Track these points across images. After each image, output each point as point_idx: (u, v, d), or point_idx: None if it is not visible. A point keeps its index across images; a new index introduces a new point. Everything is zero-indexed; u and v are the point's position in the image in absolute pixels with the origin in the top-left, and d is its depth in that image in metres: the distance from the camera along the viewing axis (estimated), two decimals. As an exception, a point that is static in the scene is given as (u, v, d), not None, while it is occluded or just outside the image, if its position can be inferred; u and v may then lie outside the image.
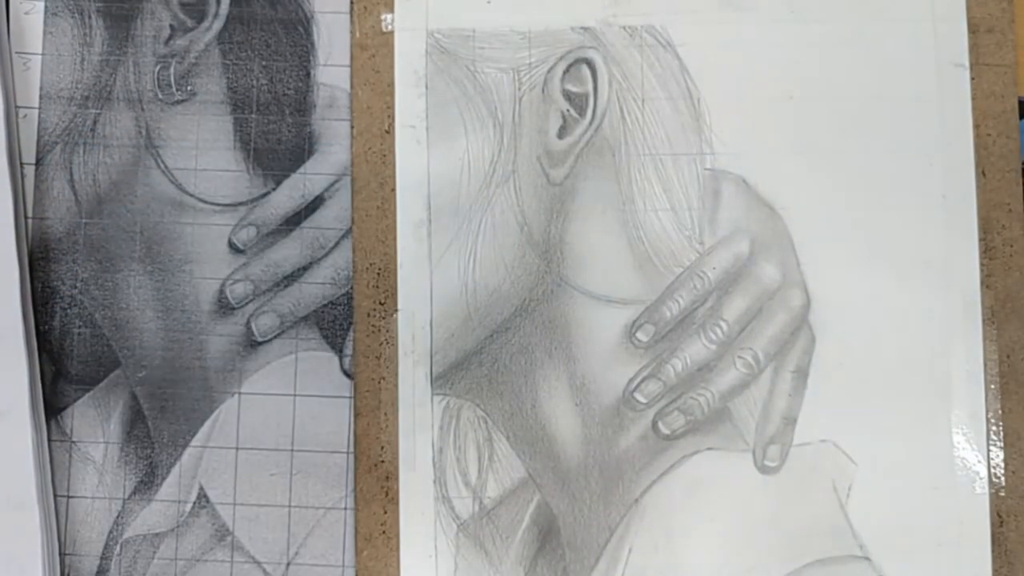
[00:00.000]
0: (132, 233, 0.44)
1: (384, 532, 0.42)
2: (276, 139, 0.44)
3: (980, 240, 0.42)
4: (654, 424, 0.42)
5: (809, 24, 0.44)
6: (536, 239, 0.43)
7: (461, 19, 0.44)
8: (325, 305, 0.43)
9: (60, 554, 0.43)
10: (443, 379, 0.43)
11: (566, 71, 0.44)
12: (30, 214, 0.44)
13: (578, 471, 0.42)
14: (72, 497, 0.43)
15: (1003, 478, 0.41)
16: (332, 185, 0.44)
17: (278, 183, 0.44)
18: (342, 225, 0.44)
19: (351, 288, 0.43)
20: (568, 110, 0.44)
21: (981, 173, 0.43)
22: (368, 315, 0.43)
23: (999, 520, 0.41)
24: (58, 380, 0.43)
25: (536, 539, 0.42)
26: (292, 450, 0.43)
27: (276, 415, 0.43)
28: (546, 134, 0.43)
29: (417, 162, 0.43)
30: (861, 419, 0.42)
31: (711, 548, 0.42)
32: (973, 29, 0.43)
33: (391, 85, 0.44)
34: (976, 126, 0.43)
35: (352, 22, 0.44)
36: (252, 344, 0.43)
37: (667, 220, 0.43)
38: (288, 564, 0.42)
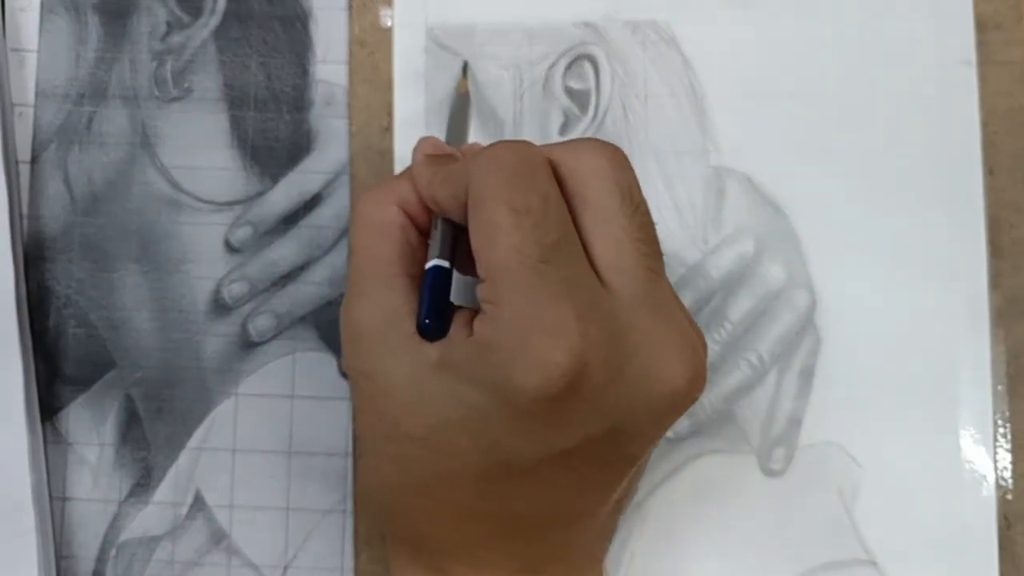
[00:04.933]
0: (128, 232, 0.44)
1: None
2: (273, 136, 0.44)
3: (987, 240, 0.42)
4: (657, 426, 0.42)
5: (814, 21, 0.44)
6: (537, 238, 0.43)
7: (461, 15, 0.44)
8: (323, 305, 0.43)
9: (56, 557, 0.42)
10: (443, 380, 0.42)
11: (568, 68, 0.43)
12: (25, 213, 0.44)
13: (580, 473, 0.42)
14: (68, 499, 0.43)
15: (1010, 481, 0.41)
16: (330, 183, 0.44)
17: (275, 181, 0.44)
18: (340, 224, 0.43)
19: (350, 288, 0.43)
20: (570, 107, 0.43)
21: (988, 171, 0.42)
22: (367, 315, 0.42)
23: (1006, 523, 0.41)
24: (53, 381, 0.43)
25: (537, 542, 0.42)
26: (290, 452, 0.43)
27: (273, 417, 0.43)
28: (547, 131, 0.43)
29: (417, 160, 0.43)
30: (867, 421, 0.42)
31: (715, 552, 0.41)
32: (980, 26, 0.43)
33: (390, 82, 0.43)
34: (983, 124, 0.43)
35: (351, 18, 0.44)
36: (249, 345, 0.43)
37: (670, 218, 0.43)
38: (286, 567, 0.42)
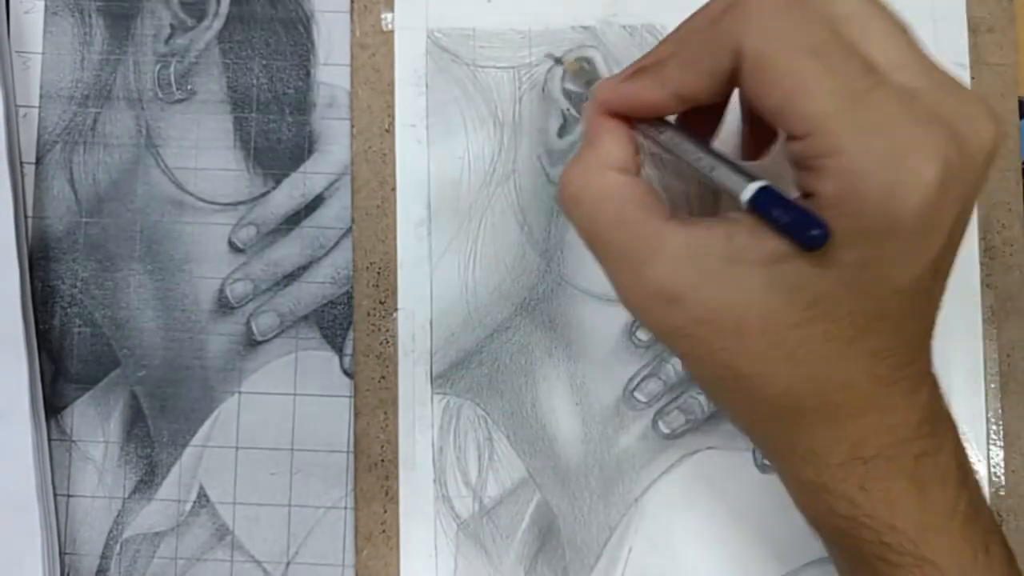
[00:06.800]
0: (132, 232, 0.44)
1: (384, 531, 0.42)
2: (276, 138, 0.44)
3: (980, 239, 0.42)
4: (654, 423, 0.42)
5: (809, 23, 0.44)
6: (536, 239, 0.43)
7: (461, 18, 0.44)
8: (325, 304, 0.43)
9: (60, 553, 0.43)
10: (443, 378, 0.43)
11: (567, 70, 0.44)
12: (30, 213, 0.44)
13: (578, 470, 0.42)
14: (72, 496, 0.43)
15: (1003, 477, 0.41)
16: (332, 184, 0.44)
17: (278, 182, 0.44)
18: (342, 224, 0.44)
19: (351, 287, 0.43)
20: (568, 109, 0.44)
21: (981, 172, 0.43)
22: (368, 314, 0.43)
23: (999, 519, 0.41)
24: (58, 379, 0.43)
25: (536, 538, 0.42)
26: (292, 449, 0.43)
27: (276, 414, 0.43)
28: (547, 133, 0.43)
29: (417, 161, 0.43)
30: (861, 418, 0.42)
31: (711, 547, 0.42)
32: (973, 29, 0.43)
33: (391, 84, 0.44)
34: (976, 125, 0.43)
35: (352, 21, 0.44)
36: (252, 343, 0.43)
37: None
38: (288, 563, 0.42)
